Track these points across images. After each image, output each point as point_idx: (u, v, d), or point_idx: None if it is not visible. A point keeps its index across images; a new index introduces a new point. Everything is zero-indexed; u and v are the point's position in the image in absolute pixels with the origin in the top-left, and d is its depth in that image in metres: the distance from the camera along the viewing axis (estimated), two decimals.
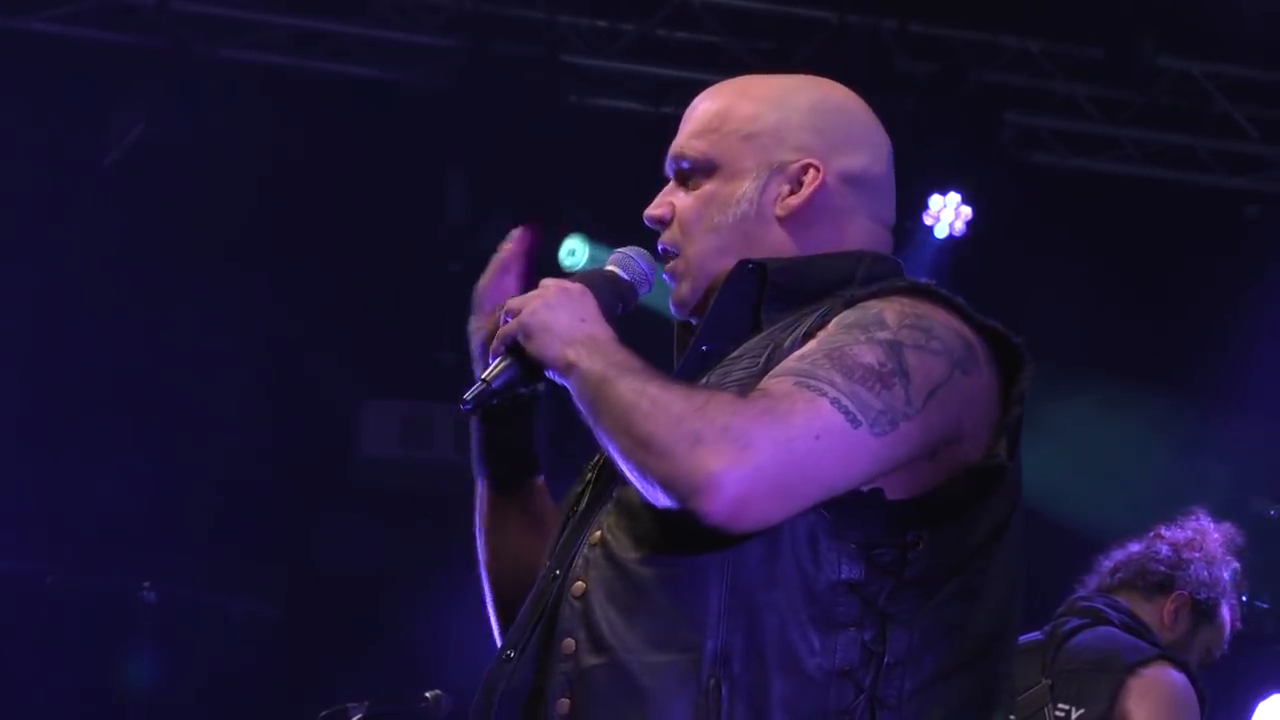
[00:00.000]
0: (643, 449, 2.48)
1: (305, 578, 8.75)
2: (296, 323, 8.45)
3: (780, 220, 2.73)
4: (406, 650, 8.01)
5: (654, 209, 2.80)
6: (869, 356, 2.51)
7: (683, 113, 2.86)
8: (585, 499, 2.70)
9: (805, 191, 2.73)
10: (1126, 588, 4.87)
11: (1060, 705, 4.66)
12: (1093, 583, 4.93)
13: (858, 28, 8.69)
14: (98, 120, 8.43)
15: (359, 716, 5.61)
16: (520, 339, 2.65)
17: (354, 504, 8.81)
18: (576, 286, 2.68)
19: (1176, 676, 4.64)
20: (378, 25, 8.64)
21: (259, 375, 8.47)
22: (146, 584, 7.59)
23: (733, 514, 2.44)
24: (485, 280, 2.89)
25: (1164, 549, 4.87)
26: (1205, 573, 4.84)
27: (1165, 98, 9.05)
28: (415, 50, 8.66)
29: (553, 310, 2.63)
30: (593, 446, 2.78)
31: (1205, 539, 4.90)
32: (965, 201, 8.75)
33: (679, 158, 2.79)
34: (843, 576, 2.51)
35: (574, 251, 8.54)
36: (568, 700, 2.56)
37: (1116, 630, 4.76)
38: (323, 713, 5.64)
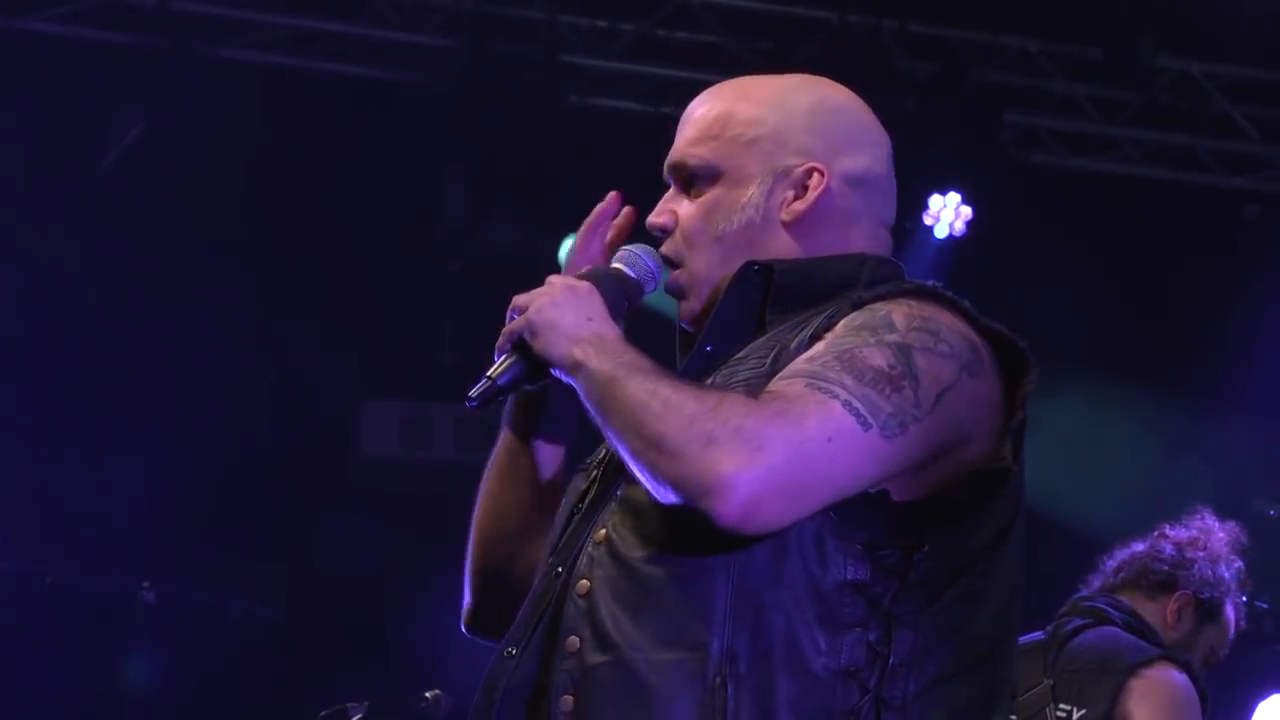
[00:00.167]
0: (654, 449, 2.47)
1: (305, 578, 8.75)
2: (296, 323, 8.45)
3: (786, 225, 2.73)
4: (406, 650, 8.01)
5: (656, 217, 2.79)
6: (879, 359, 2.51)
7: (682, 113, 2.85)
8: (589, 497, 2.69)
9: (811, 196, 2.73)
10: (1130, 587, 4.87)
11: (1062, 705, 4.66)
12: (1096, 582, 4.92)
13: (858, 28, 8.69)
14: (98, 120, 8.43)
15: (359, 716, 5.61)
16: (526, 336, 2.64)
17: (354, 504, 8.81)
18: (583, 284, 2.68)
19: (1178, 677, 4.64)
20: (377, 25, 8.64)
21: (259, 375, 8.48)
22: (146, 584, 7.59)
23: (745, 515, 2.44)
24: (577, 241, 2.85)
25: (1168, 548, 4.86)
26: (1209, 572, 4.83)
27: (1164, 98, 9.05)
28: (415, 50, 8.67)
29: (559, 308, 2.63)
30: (592, 442, 2.79)
31: (1209, 538, 4.89)
32: (965, 201, 8.75)
33: (680, 165, 2.78)
34: (849, 577, 2.52)
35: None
36: (571, 697, 2.55)
37: (1119, 630, 4.76)
38: (323, 713, 5.65)
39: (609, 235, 2.85)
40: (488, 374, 2.68)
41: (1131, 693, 4.59)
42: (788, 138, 2.74)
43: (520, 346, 2.65)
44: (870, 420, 2.47)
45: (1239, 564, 4.90)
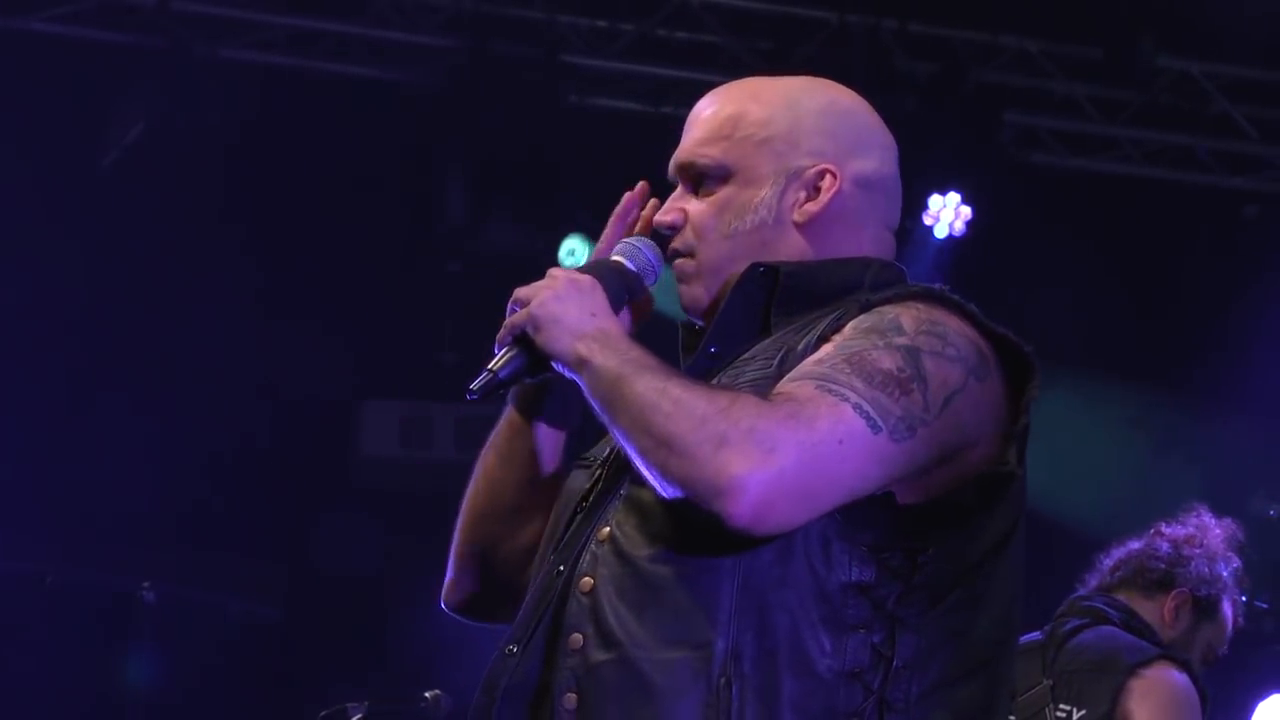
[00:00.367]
0: (664, 449, 2.47)
1: (305, 578, 8.75)
2: (296, 322, 8.44)
3: (798, 226, 2.73)
4: (406, 650, 8.01)
5: (665, 215, 2.78)
6: (888, 362, 2.52)
7: (683, 113, 2.85)
8: (593, 494, 2.69)
9: (824, 198, 2.73)
10: (1126, 586, 4.86)
11: (1061, 706, 4.65)
12: (1093, 581, 4.92)
13: (858, 28, 8.69)
14: (98, 120, 8.43)
15: (359, 716, 5.61)
16: (529, 330, 2.63)
17: (354, 504, 8.81)
18: (586, 278, 2.67)
19: (1178, 676, 4.63)
20: (377, 25, 8.64)
21: (258, 375, 8.47)
22: (146, 584, 7.59)
23: (756, 517, 2.44)
24: (606, 230, 2.84)
25: (1164, 546, 4.86)
26: (1206, 569, 4.83)
27: (1164, 97, 9.04)
28: (414, 50, 8.67)
29: (562, 302, 2.62)
30: (589, 439, 2.78)
31: (1206, 535, 4.89)
32: (965, 201, 8.75)
33: (690, 165, 2.77)
34: (854, 578, 2.52)
35: (574, 251, 8.54)
36: (575, 695, 2.55)
37: (1117, 630, 4.75)
38: (323, 713, 5.65)
39: (638, 226, 2.84)
40: (489, 367, 2.67)
41: (1131, 693, 4.58)
42: (800, 139, 2.74)
43: (522, 340, 2.65)
44: (880, 423, 2.48)
45: (1236, 561, 4.89)
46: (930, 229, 8.73)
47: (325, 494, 8.83)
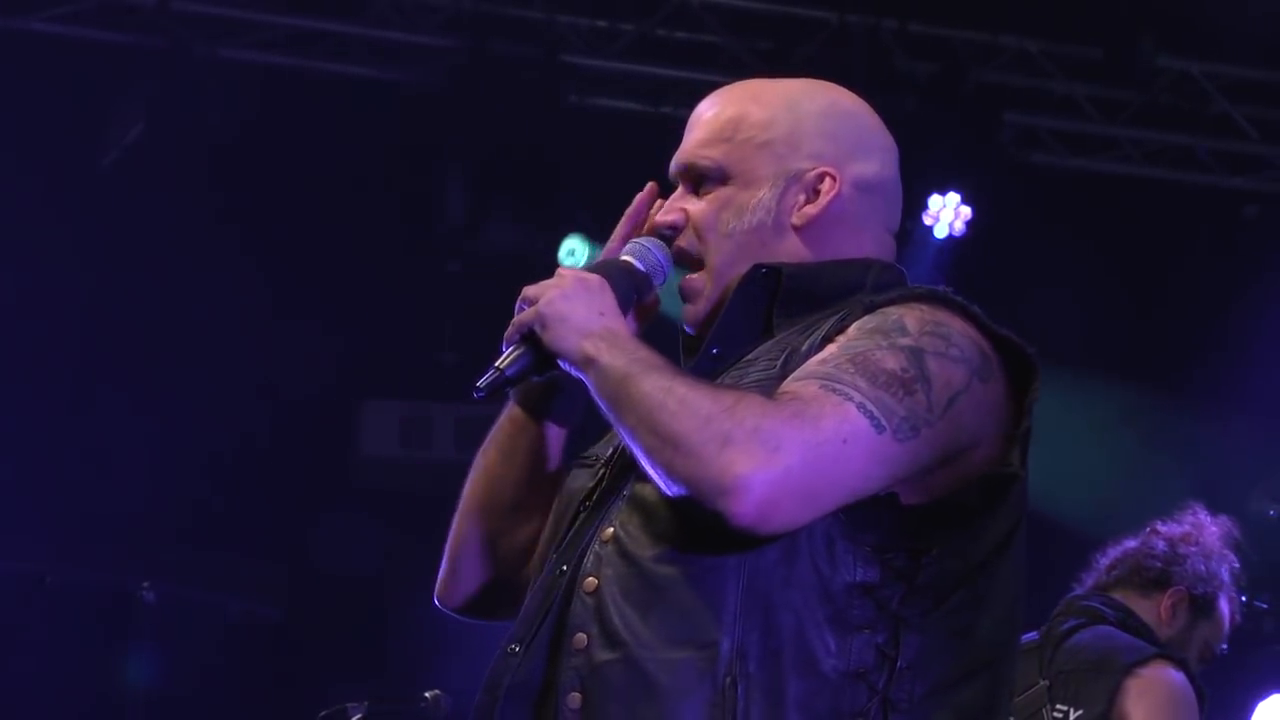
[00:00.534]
0: (670, 448, 2.47)
1: (305, 578, 8.75)
2: (296, 322, 8.45)
3: (796, 229, 2.73)
4: (406, 650, 8.02)
5: (665, 215, 2.78)
6: (892, 362, 2.52)
7: (682, 113, 2.85)
8: (596, 494, 2.69)
9: (823, 201, 2.73)
10: (1123, 585, 4.86)
11: (1058, 706, 4.65)
12: (1090, 580, 4.92)
13: (857, 28, 8.69)
14: (98, 120, 8.43)
15: (359, 716, 5.61)
16: (536, 328, 2.63)
17: (354, 504, 8.81)
18: (594, 278, 2.67)
19: (1175, 675, 4.63)
20: (377, 25, 8.64)
21: (258, 375, 8.48)
22: (146, 584, 7.59)
23: (760, 516, 2.44)
24: (617, 229, 2.84)
25: (1160, 544, 4.86)
26: (1202, 567, 4.82)
27: (1164, 98, 9.05)
28: (414, 50, 8.67)
29: (570, 301, 2.62)
30: (593, 435, 2.78)
31: (1202, 533, 4.89)
32: (965, 201, 8.75)
33: (690, 166, 2.77)
34: (858, 579, 2.53)
35: (574, 251, 8.55)
36: (579, 695, 2.55)
37: (1114, 629, 4.75)
38: (323, 713, 5.65)
39: (647, 226, 2.84)
40: (496, 365, 2.67)
41: (1128, 692, 4.58)
42: (800, 141, 2.74)
43: (529, 338, 2.65)
44: (884, 423, 2.48)
45: (1233, 559, 4.89)
46: (930, 229, 8.73)
47: (325, 494, 8.83)
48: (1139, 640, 4.71)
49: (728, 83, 2.88)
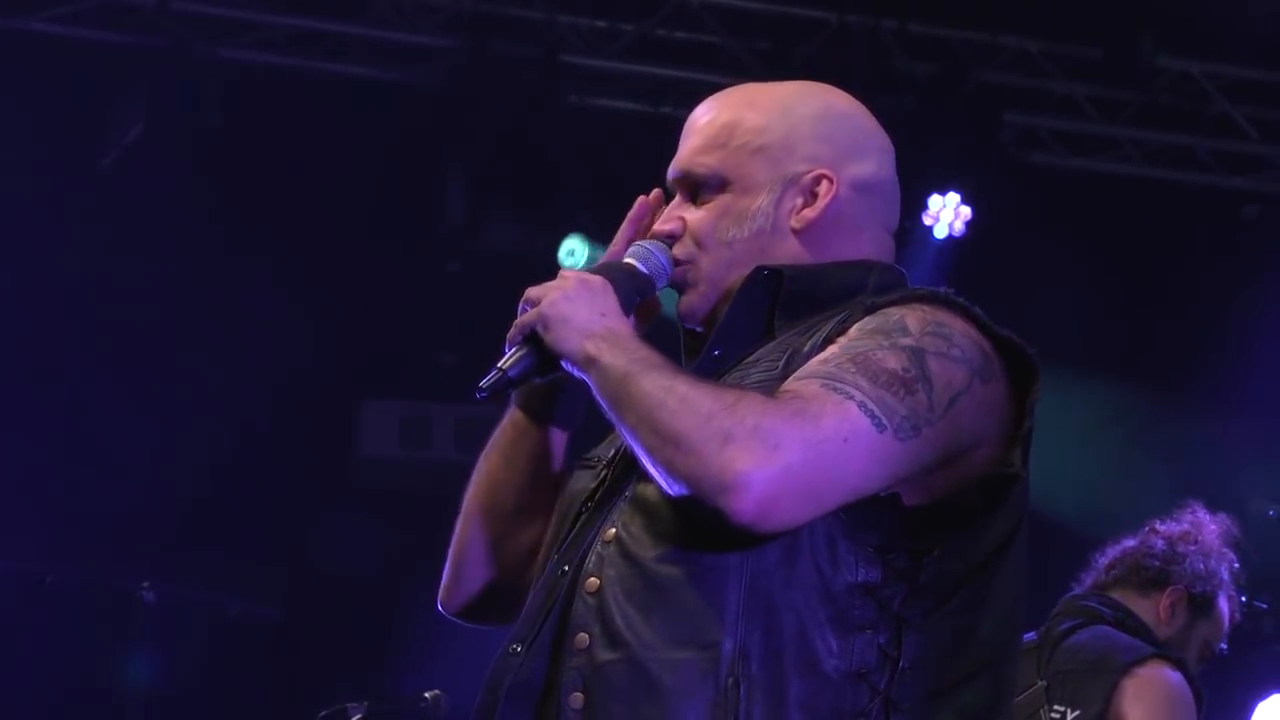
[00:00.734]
0: (671, 446, 2.48)
1: (305, 578, 8.76)
2: (296, 322, 8.45)
3: (796, 233, 2.74)
4: (406, 650, 8.02)
5: (664, 224, 2.79)
6: (893, 362, 2.53)
7: (682, 113, 2.86)
8: (597, 495, 2.69)
9: (820, 203, 2.74)
10: (1122, 584, 4.85)
11: (1056, 707, 4.64)
12: (1088, 580, 4.91)
13: (857, 28, 8.69)
14: (98, 120, 8.43)
15: (359, 716, 5.61)
16: (539, 329, 2.63)
17: (353, 504, 8.82)
18: (597, 279, 2.68)
19: (1172, 675, 4.62)
20: (377, 25, 8.64)
21: (258, 375, 8.48)
22: (146, 584, 7.59)
23: (760, 513, 2.45)
24: (620, 233, 2.84)
25: (1159, 543, 4.85)
26: (1201, 565, 4.82)
27: (1164, 98, 9.05)
28: (414, 50, 8.67)
29: (572, 302, 2.63)
30: (595, 436, 2.79)
31: (1201, 532, 4.88)
32: (964, 201, 8.75)
33: (687, 174, 2.78)
34: (859, 579, 2.53)
35: (574, 251, 8.55)
36: (581, 695, 2.56)
37: (1112, 629, 4.74)
38: (322, 713, 5.65)
39: (649, 234, 2.84)
40: (499, 365, 2.67)
41: (1125, 692, 4.58)
42: (795, 145, 2.75)
43: (532, 339, 2.65)
44: (885, 422, 2.49)
45: (1232, 557, 4.88)
46: (930, 229, 8.73)
47: (325, 494, 8.83)
48: (1137, 640, 4.71)
49: (728, 83, 2.89)
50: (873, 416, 2.48)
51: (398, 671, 8.05)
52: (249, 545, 8.59)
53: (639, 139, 7.77)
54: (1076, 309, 8.58)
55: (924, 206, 8.70)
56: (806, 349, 2.61)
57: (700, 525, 2.50)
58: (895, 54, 8.71)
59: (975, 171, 8.79)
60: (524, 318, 2.66)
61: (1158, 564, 4.83)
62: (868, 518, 2.52)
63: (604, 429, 2.67)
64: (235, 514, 8.54)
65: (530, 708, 2.59)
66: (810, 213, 2.74)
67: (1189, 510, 4.94)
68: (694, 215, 2.77)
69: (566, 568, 2.63)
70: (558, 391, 2.79)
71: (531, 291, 2.67)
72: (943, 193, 8.73)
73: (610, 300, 2.65)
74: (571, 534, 2.68)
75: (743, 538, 2.48)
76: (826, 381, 2.50)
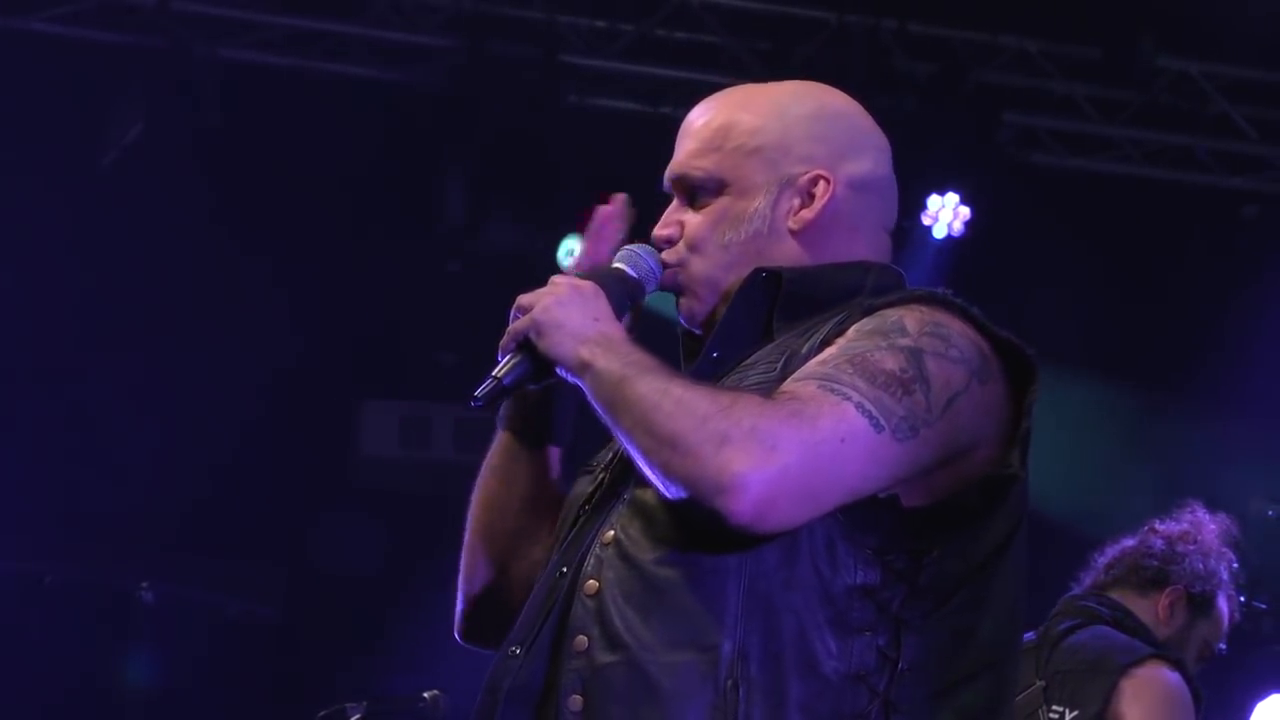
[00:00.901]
0: (667, 448, 2.48)
1: (305, 578, 8.76)
2: (296, 322, 8.45)
3: (794, 234, 2.74)
4: (406, 650, 8.01)
5: (662, 229, 2.79)
6: (891, 363, 2.53)
7: (682, 113, 2.86)
8: (595, 498, 2.69)
9: (817, 204, 2.74)
10: (1121, 584, 4.85)
11: (1054, 707, 4.64)
12: (1088, 580, 4.91)
13: (857, 28, 8.69)
14: (98, 120, 8.43)
15: (358, 716, 5.61)
16: (532, 336, 2.63)
17: (353, 504, 8.82)
18: (588, 284, 2.68)
19: (1170, 675, 4.62)
20: (376, 25, 8.64)
21: (258, 375, 8.48)
22: (146, 584, 7.59)
23: (758, 515, 2.45)
24: (585, 244, 2.85)
25: (1158, 543, 4.85)
26: (1200, 565, 4.81)
27: (1164, 98, 9.05)
28: (414, 50, 8.67)
29: (565, 308, 2.63)
30: (593, 445, 2.79)
31: (1200, 531, 4.88)
32: (964, 202, 8.75)
33: (683, 178, 2.78)
34: (858, 581, 2.53)
35: (573, 251, 8.54)
36: (580, 697, 2.56)
37: (1110, 629, 4.74)
38: (322, 713, 5.65)
39: (619, 237, 2.85)
40: (493, 374, 2.68)
41: (1123, 693, 4.57)
42: (791, 146, 2.75)
43: (525, 346, 2.65)
44: (883, 422, 2.49)
45: (1231, 557, 4.88)
46: (929, 229, 8.72)
47: (325, 494, 8.83)
48: (1135, 640, 4.70)
49: (727, 83, 2.89)
50: (870, 417, 2.48)
51: (397, 671, 8.04)
52: (248, 545, 8.59)
53: (639, 139, 7.76)
54: (1075, 309, 8.58)
55: (923, 206, 8.70)
56: (805, 350, 2.61)
57: (698, 528, 2.50)
58: (895, 54, 8.71)
59: (974, 171, 8.79)
60: (517, 325, 2.66)
61: (1157, 564, 4.82)
62: (867, 519, 2.52)
63: (605, 435, 2.68)
64: (235, 514, 8.54)
65: (529, 710, 2.59)
66: (808, 214, 2.74)
67: (1188, 510, 4.93)
68: (692, 220, 2.77)
69: (565, 570, 2.64)
70: (543, 410, 2.79)
71: (523, 299, 2.67)
72: (942, 193, 8.73)
73: (602, 305, 2.65)
74: (570, 536, 2.69)
75: (741, 539, 2.48)
76: (824, 382, 2.50)
